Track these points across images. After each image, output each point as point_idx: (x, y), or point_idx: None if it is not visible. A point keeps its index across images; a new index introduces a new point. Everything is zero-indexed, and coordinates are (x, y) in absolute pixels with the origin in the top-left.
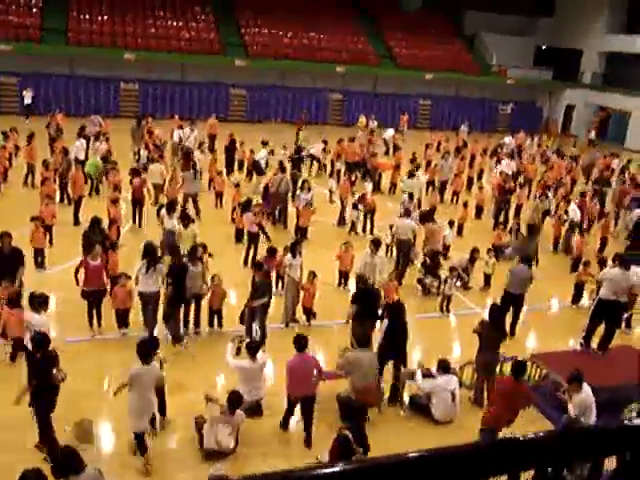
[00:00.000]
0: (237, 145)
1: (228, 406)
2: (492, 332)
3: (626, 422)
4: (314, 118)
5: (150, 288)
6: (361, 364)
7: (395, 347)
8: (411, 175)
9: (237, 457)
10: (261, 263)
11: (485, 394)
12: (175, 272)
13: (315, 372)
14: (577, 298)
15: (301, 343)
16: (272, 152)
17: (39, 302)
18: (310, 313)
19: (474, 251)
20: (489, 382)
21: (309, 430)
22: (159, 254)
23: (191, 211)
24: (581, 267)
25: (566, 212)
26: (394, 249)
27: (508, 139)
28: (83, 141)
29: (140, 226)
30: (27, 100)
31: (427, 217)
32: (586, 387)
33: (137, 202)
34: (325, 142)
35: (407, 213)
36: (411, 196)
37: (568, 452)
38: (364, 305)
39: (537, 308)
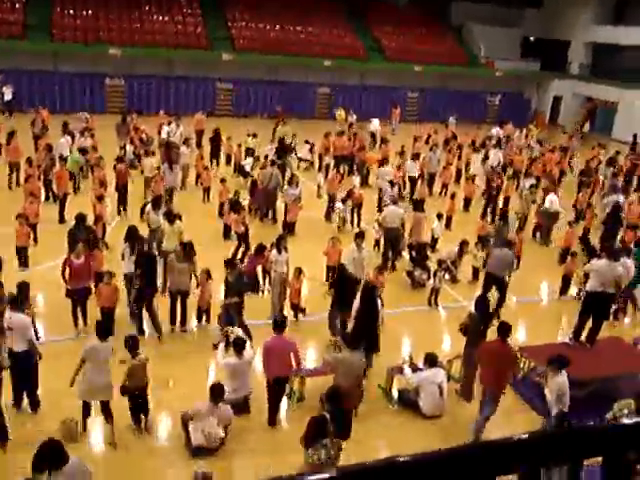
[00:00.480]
0: (223, 138)
1: (210, 398)
2: (479, 324)
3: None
4: (301, 112)
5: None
6: (349, 366)
7: (366, 331)
8: (381, 164)
9: (225, 454)
10: (233, 261)
11: (474, 387)
12: (143, 263)
13: (292, 355)
14: (565, 289)
15: (279, 324)
16: (257, 158)
17: (15, 301)
18: (297, 309)
19: (463, 243)
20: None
21: (276, 409)
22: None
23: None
24: (569, 258)
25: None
26: (382, 242)
27: (495, 130)
28: (68, 138)
29: (125, 210)
30: (7, 96)
31: (417, 206)
32: (564, 374)
33: (121, 187)
34: (308, 142)
35: (394, 201)
36: (392, 183)
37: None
38: (342, 292)
39: (525, 300)
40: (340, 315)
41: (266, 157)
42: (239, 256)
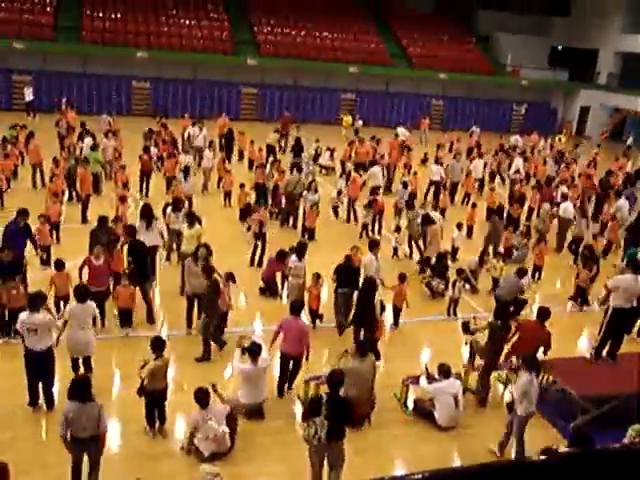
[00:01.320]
0: (236, 135)
1: (197, 404)
2: (500, 331)
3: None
4: (325, 118)
5: (152, 242)
6: (357, 375)
7: (365, 319)
8: (372, 163)
9: (237, 459)
10: (211, 269)
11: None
12: (134, 250)
13: (303, 339)
14: (578, 299)
15: (295, 307)
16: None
17: (36, 301)
18: (316, 315)
19: (484, 252)
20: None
21: (292, 383)
22: (165, 253)
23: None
24: (582, 269)
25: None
26: (399, 250)
27: (514, 138)
28: (90, 140)
29: (147, 196)
30: (28, 97)
31: (428, 220)
32: (531, 376)
33: (144, 176)
34: (329, 149)
35: (408, 205)
36: (405, 185)
37: None
38: (345, 278)
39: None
40: (343, 297)
41: (297, 164)
42: (256, 258)
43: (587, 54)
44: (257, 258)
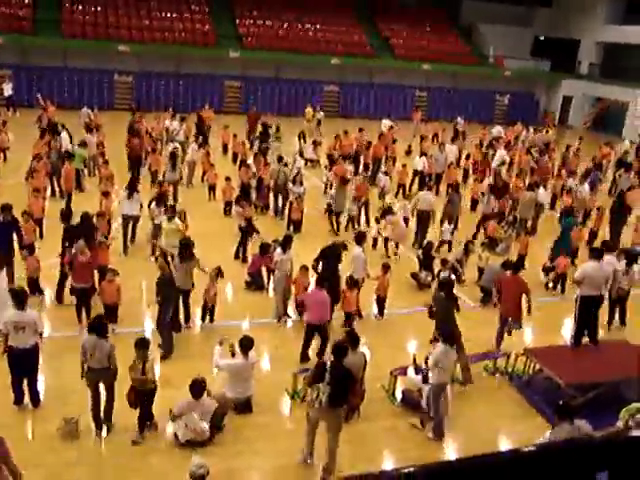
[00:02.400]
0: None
1: (191, 393)
2: (446, 303)
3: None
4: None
5: (132, 212)
6: (350, 367)
7: (330, 284)
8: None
9: (225, 453)
10: (163, 263)
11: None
12: (68, 235)
13: (328, 307)
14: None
15: (321, 282)
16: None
17: (22, 298)
18: (303, 307)
19: (468, 243)
20: (464, 356)
21: (324, 352)
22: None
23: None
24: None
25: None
26: (386, 242)
27: (496, 129)
28: (66, 134)
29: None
30: (7, 92)
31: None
32: (446, 348)
33: (134, 159)
34: (313, 141)
35: (429, 187)
36: (385, 173)
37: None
38: (327, 260)
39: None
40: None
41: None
42: (245, 250)
43: (569, 44)
44: (242, 253)
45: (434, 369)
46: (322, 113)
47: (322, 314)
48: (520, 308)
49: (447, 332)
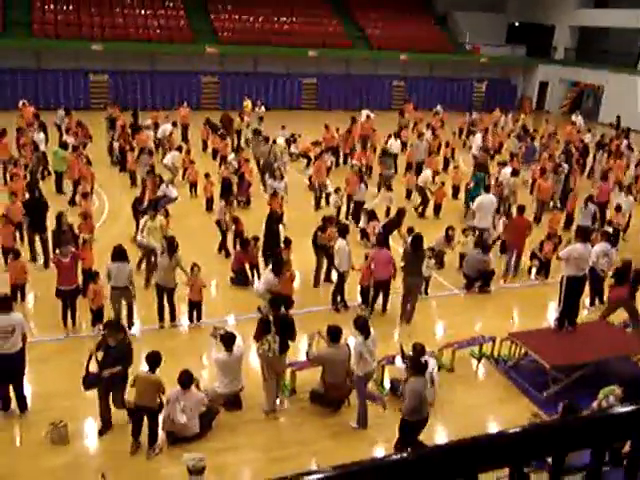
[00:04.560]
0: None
1: (179, 383)
2: (413, 256)
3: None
4: (288, 103)
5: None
6: (334, 361)
7: (270, 246)
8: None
9: (216, 449)
10: (118, 326)
11: (410, 311)
12: (30, 206)
13: (391, 264)
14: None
15: (380, 240)
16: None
17: (6, 301)
18: (288, 301)
19: (449, 229)
20: (413, 301)
21: (386, 304)
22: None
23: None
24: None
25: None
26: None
27: (468, 116)
28: (42, 135)
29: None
30: None
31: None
32: (362, 340)
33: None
34: (292, 135)
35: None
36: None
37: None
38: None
39: (510, 286)
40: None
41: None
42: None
43: (544, 29)
44: (226, 247)
45: (358, 361)
46: (263, 108)
47: (387, 271)
48: (524, 242)
49: (361, 322)
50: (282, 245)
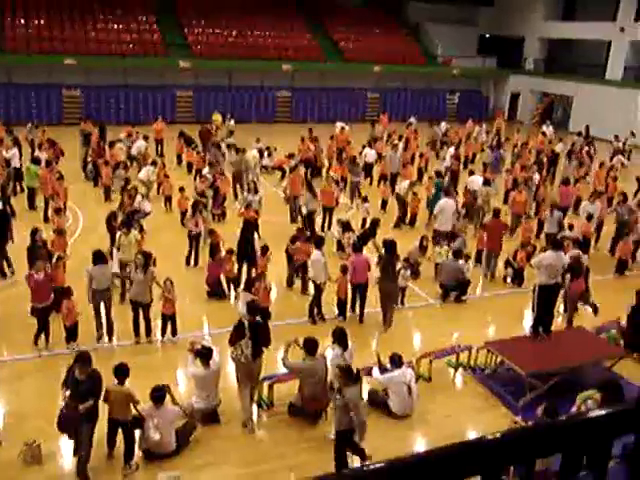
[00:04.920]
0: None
1: (151, 399)
2: (388, 260)
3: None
4: (262, 117)
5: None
6: (312, 374)
7: (246, 252)
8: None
9: (193, 464)
10: (85, 356)
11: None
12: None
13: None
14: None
15: (357, 246)
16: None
17: None
18: (266, 312)
19: (423, 238)
20: (391, 308)
21: (362, 313)
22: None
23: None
24: (520, 251)
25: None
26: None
27: (438, 128)
28: (16, 150)
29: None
30: None
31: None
32: (339, 353)
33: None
34: (268, 148)
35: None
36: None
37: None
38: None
39: (484, 296)
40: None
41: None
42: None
43: (514, 42)
44: (193, 259)
45: (336, 374)
46: (232, 121)
47: (363, 275)
48: (501, 244)
49: (339, 333)
50: (258, 252)
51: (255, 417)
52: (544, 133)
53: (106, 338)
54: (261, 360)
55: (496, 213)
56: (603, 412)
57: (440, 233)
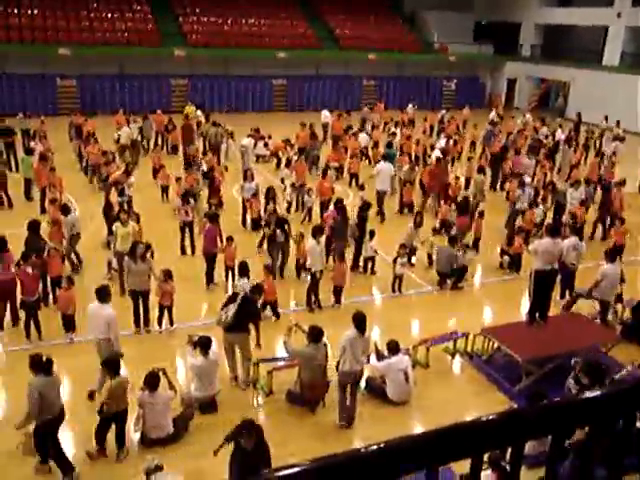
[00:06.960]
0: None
1: (146, 387)
2: (341, 224)
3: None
4: (258, 105)
5: None
6: (312, 361)
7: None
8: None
9: (190, 453)
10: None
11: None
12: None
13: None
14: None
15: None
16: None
17: None
18: (273, 305)
19: (418, 214)
20: (342, 265)
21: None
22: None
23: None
24: (516, 239)
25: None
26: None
27: (441, 113)
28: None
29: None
30: None
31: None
32: (354, 335)
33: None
34: (263, 137)
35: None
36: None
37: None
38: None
39: (480, 282)
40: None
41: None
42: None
43: (510, 27)
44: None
45: (342, 356)
46: (199, 112)
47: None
48: (444, 187)
49: (359, 318)
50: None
51: (255, 404)
52: (543, 119)
53: None
54: (244, 337)
55: (438, 159)
56: (585, 395)
57: (379, 192)
